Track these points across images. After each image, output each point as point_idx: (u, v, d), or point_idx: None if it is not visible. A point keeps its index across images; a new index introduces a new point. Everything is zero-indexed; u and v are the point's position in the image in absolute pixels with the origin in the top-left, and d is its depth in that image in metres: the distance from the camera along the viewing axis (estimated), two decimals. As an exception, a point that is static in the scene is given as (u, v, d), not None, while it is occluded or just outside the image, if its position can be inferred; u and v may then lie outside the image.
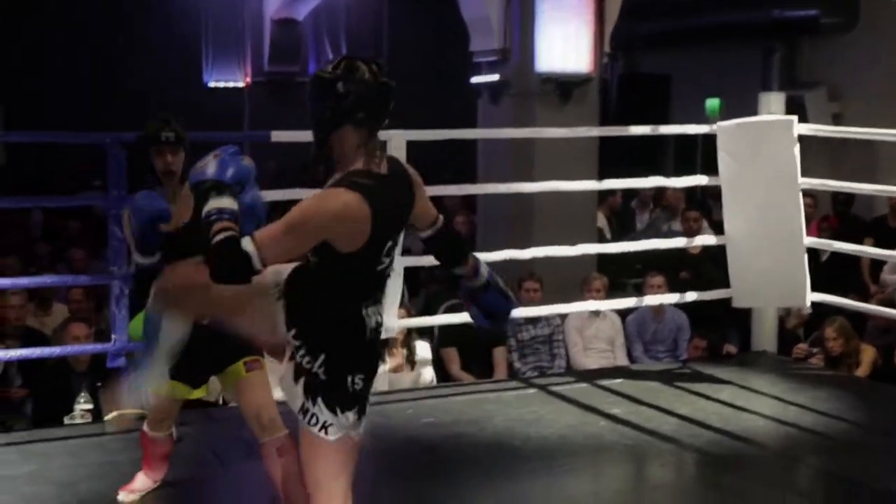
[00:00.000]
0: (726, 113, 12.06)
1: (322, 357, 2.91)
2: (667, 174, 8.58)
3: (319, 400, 2.91)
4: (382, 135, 5.70)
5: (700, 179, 6.75)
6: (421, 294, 8.55)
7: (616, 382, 5.90)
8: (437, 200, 10.43)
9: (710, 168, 6.50)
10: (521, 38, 8.78)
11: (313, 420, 2.92)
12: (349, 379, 2.92)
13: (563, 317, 7.06)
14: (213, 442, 4.92)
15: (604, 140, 8.38)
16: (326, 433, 2.92)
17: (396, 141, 5.61)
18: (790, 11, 12.21)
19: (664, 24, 13.45)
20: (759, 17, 12.49)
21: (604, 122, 9.00)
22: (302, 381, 2.93)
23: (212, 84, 16.50)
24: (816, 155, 6.24)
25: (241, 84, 16.61)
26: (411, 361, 6.40)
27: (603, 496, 4.54)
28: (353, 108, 2.81)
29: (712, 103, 13.79)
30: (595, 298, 6.90)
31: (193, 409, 5.75)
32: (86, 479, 4.45)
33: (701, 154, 12.62)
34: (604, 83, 10.08)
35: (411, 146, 5.61)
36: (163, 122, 4.06)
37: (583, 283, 7.12)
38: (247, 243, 2.71)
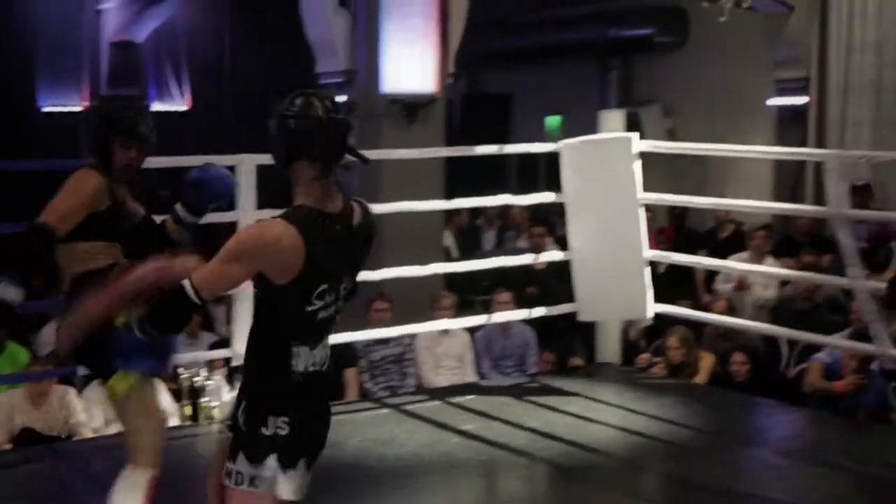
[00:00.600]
0: (566, 130, 12.37)
1: (244, 402, 2.87)
2: (510, 192, 8.72)
3: (241, 454, 2.85)
4: (231, 159, 5.74)
5: (546, 196, 6.91)
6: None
7: (467, 399, 5.97)
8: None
9: (553, 185, 6.66)
10: (366, 60, 8.82)
11: (238, 479, 2.85)
12: (269, 421, 2.83)
13: (413, 336, 7.11)
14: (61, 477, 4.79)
15: (449, 159, 8.49)
16: (255, 486, 2.84)
17: (246, 165, 5.58)
18: (626, 31, 12.60)
19: (505, 42, 13.70)
20: (596, 36, 12.84)
21: (448, 141, 9.10)
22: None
23: (47, 108, 16.01)
24: (652, 169, 6.45)
25: (78, 108, 16.16)
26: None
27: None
28: (305, 145, 2.83)
29: (552, 121, 14.10)
30: (444, 316, 6.97)
31: (37, 444, 5.61)
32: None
33: (544, 171, 12.90)
34: (448, 103, 10.21)
35: (261, 170, 5.58)
36: (138, 114, 3.86)
37: (432, 301, 7.19)
38: (190, 290, 2.75)
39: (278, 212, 6.29)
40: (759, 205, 7.68)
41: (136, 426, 3.65)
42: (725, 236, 9.30)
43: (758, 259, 7.98)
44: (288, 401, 2.86)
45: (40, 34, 15.89)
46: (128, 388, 3.32)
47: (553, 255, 7.07)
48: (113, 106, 3.87)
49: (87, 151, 3.79)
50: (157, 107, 16.70)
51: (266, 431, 2.83)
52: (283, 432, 2.84)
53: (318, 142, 2.84)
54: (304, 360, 2.88)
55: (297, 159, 2.85)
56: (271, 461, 2.83)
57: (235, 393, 6.03)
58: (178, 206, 3.93)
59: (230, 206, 4.18)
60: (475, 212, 11.01)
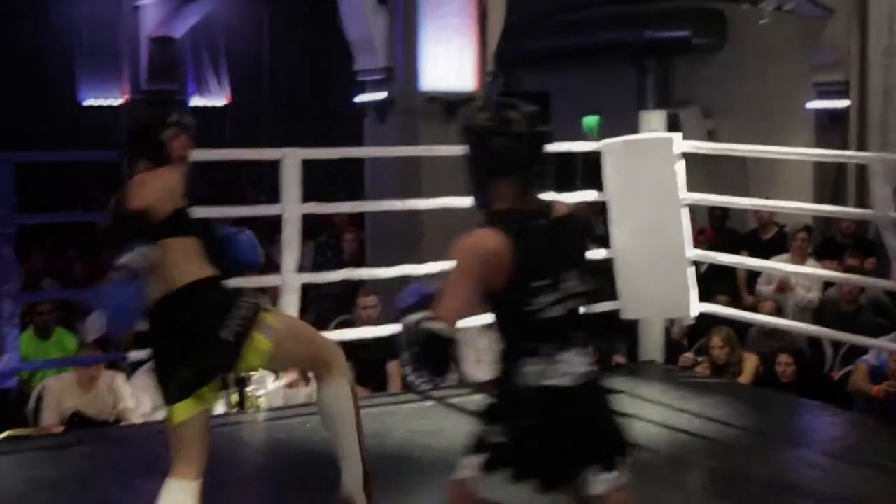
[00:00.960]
0: (604, 130, 12.38)
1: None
2: (548, 190, 8.72)
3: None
4: (276, 153, 5.79)
5: (588, 195, 6.90)
6: (311, 310, 8.54)
7: (510, 393, 5.96)
8: (326, 217, 10.47)
9: (590, 184, 6.67)
10: (405, 57, 8.86)
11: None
12: (492, 428, 2.85)
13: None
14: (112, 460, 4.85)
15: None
16: (456, 473, 2.91)
17: (291, 159, 5.63)
18: (663, 32, 12.59)
19: (544, 42, 13.71)
20: (633, 38, 12.84)
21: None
22: None
23: (87, 102, 16.15)
24: (692, 171, 6.46)
25: (117, 102, 16.29)
26: (306, 377, 6.38)
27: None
28: (508, 163, 2.78)
29: (590, 120, 14.10)
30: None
31: (87, 428, 5.69)
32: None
33: (581, 170, 12.88)
34: (486, 101, 10.25)
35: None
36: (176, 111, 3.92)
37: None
38: (437, 325, 2.71)
39: (321, 205, 6.35)
40: (804, 206, 7.67)
41: (183, 446, 3.59)
42: (768, 238, 9.28)
43: (799, 260, 7.96)
44: (508, 413, 2.84)
45: (81, 30, 16.05)
46: (187, 416, 3.41)
47: (595, 252, 7.06)
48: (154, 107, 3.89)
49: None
50: (196, 102, 16.82)
51: (484, 433, 2.86)
52: (495, 440, 2.84)
53: (521, 158, 2.79)
54: (539, 374, 2.81)
55: (498, 177, 2.80)
56: (477, 458, 2.86)
57: (281, 382, 6.09)
58: None
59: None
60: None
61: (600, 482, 2.87)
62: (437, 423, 5.47)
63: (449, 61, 8.86)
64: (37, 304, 6.73)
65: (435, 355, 2.75)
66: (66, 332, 6.88)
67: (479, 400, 5.73)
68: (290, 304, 5.72)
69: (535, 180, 2.84)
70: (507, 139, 2.77)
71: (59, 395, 5.88)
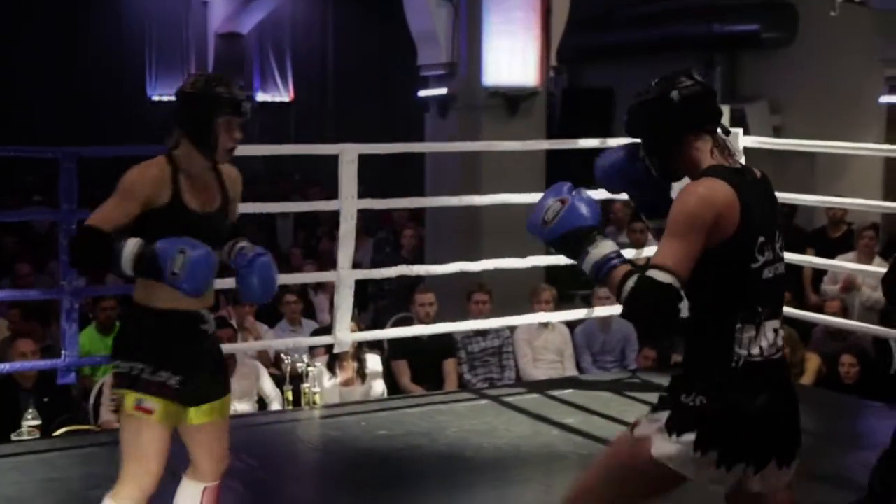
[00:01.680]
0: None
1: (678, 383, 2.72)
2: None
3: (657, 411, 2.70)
4: (334, 148, 5.81)
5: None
6: (370, 308, 8.55)
7: (567, 393, 5.94)
8: (386, 213, 10.49)
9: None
10: (468, 52, 8.82)
11: (634, 426, 2.74)
12: (692, 395, 2.65)
13: (513, 329, 7.10)
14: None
15: (549, 153, 8.45)
16: (632, 430, 2.73)
17: (348, 154, 5.63)
18: (731, 26, 12.41)
19: (608, 37, 13.60)
20: (700, 31, 12.67)
21: (548, 135, 9.06)
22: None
23: (156, 97, 16.38)
24: (759, 166, 6.33)
25: (185, 97, 16.50)
26: (362, 374, 6.40)
27: (557, 505, 4.56)
28: (693, 113, 2.72)
29: (655, 116, 13.94)
30: (544, 310, 6.95)
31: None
32: (34, 496, 4.40)
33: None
34: (549, 96, 10.17)
35: (362, 159, 5.63)
36: (238, 88, 3.30)
37: (532, 294, 7.17)
38: (661, 275, 2.53)
39: (377, 201, 6.36)
40: (872, 203, 7.50)
41: (128, 459, 3.23)
42: (837, 236, 9.10)
43: (866, 259, 7.79)
44: (716, 387, 2.65)
45: (150, 26, 16.29)
46: (133, 404, 3.13)
47: (655, 250, 6.97)
48: (208, 81, 3.24)
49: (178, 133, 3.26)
50: (261, 97, 16.96)
51: (683, 398, 2.65)
52: (693, 404, 2.64)
53: (703, 108, 2.73)
54: (751, 343, 2.66)
55: (687, 133, 2.71)
56: (661, 416, 2.67)
57: (337, 380, 6.09)
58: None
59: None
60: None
61: (779, 475, 2.74)
62: (491, 422, 5.45)
63: (512, 56, 8.81)
64: (100, 300, 6.80)
65: (656, 311, 2.55)
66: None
67: (532, 399, 5.75)
68: (345, 301, 5.73)
69: (721, 138, 2.79)
70: (702, 94, 2.74)
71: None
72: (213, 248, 3.15)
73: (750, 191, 2.68)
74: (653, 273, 2.54)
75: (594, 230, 2.68)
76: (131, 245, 3.04)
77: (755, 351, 2.67)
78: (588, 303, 7.47)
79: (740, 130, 6.29)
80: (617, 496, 2.78)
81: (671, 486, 2.74)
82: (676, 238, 2.58)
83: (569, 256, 2.72)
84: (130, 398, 3.15)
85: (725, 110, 6.66)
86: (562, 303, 7.53)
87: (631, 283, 2.56)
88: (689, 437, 2.64)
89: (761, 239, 2.67)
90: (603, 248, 2.64)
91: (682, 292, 2.56)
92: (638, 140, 2.81)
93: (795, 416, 2.78)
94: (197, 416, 3.26)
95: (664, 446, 2.65)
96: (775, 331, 2.71)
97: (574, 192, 2.73)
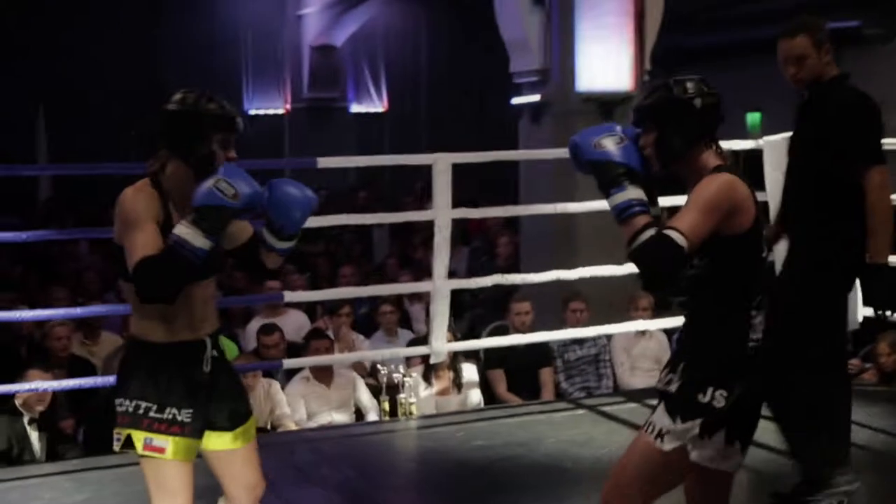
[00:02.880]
0: (766, 127, 12.00)
1: (682, 368, 2.86)
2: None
3: (661, 406, 2.88)
4: (428, 158, 5.80)
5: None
6: (465, 317, 8.53)
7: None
8: (481, 222, 10.43)
9: (752, 183, 6.42)
10: (560, 58, 8.77)
11: (650, 428, 2.89)
12: (707, 391, 2.80)
13: (610, 337, 7.02)
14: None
15: (646, 157, 8.34)
16: (662, 441, 2.86)
17: (442, 164, 5.62)
18: (831, 23, 12.10)
19: (703, 38, 13.42)
20: (800, 30, 12.40)
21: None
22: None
23: (252, 111, 16.63)
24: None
25: (281, 110, 16.73)
26: (458, 384, 6.39)
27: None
28: (711, 121, 2.91)
29: (753, 118, 13.72)
30: (642, 317, 6.86)
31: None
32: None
33: (742, 169, 12.55)
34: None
35: (455, 169, 5.62)
36: (229, 104, 3.10)
37: (629, 302, 7.08)
38: (677, 236, 2.70)
39: (471, 210, 6.30)
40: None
41: (155, 499, 3.10)
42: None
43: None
44: (734, 374, 2.82)
45: (246, 40, 16.56)
46: (143, 444, 3.00)
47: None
48: (199, 98, 3.03)
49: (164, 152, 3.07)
50: (355, 108, 17.11)
51: (702, 399, 2.81)
52: (718, 405, 2.80)
53: (718, 119, 2.92)
54: (758, 328, 2.85)
55: (701, 139, 2.89)
56: (692, 424, 2.81)
57: (433, 390, 6.07)
58: (266, 233, 3.15)
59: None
60: (672, 211, 10.78)
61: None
62: (589, 432, 5.38)
63: (605, 61, 8.74)
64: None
65: (662, 266, 2.72)
66: (225, 340, 7.03)
67: (630, 409, 5.67)
68: (441, 311, 5.72)
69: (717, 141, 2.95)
70: (717, 104, 2.91)
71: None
72: (205, 278, 3.05)
73: (751, 187, 2.89)
74: (670, 232, 2.71)
75: (635, 174, 2.82)
76: (180, 227, 2.85)
77: (760, 336, 2.86)
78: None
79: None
80: (649, 497, 2.97)
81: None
82: (697, 212, 2.75)
83: (600, 182, 2.85)
84: (138, 438, 3.01)
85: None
86: (660, 310, 7.42)
87: (649, 233, 2.73)
88: (721, 435, 2.82)
89: (762, 234, 2.91)
90: (634, 192, 2.79)
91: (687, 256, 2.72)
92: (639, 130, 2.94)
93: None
94: (218, 443, 3.16)
95: (702, 452, 2.83)
96: (762, 318, 2.90)
97: (628, 136, 2.89)
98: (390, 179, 15.02)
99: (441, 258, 5.70)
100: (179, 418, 3.02)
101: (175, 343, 3.04)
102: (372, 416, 6.23)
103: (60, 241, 9.89)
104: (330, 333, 7.00)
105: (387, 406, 6.01)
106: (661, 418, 2.85)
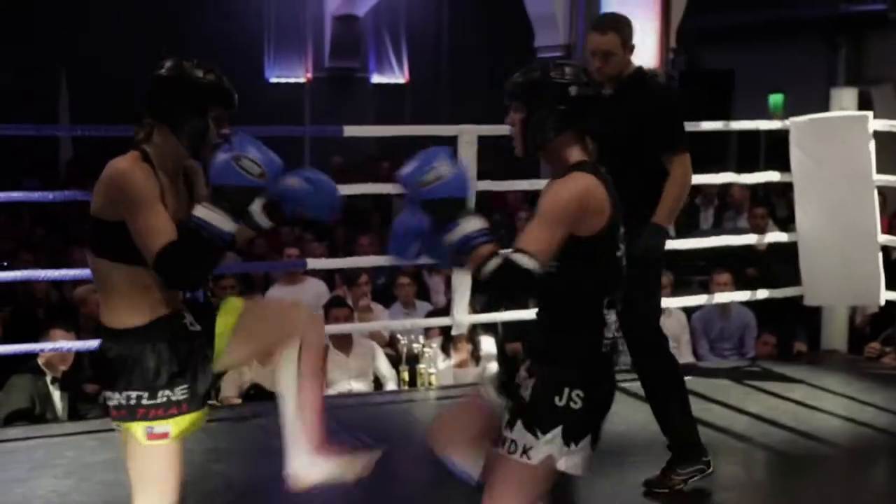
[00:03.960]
0: (790, 108, 11.95)
1: (535, 371, 2.81)
2: (729, 170, 8.48)
3: (518, 423, 2.78)
4: (453, 129, 5.79)
5: (771, 176, 6.67)
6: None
7: (685, 380, 5.83)
8: (501, 195, 10.41)
9: (774, 164, 6.42)
10: (586, 34, 8.73)
11: (511, 447, 2.79)
12: (563, 392, 2.76)
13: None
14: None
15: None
16: (528, 458, 2.77)
17: (467, 136, 5.62)
18: (857, 6, 12.06)
19: (728, 18, 13.35)
20: (825, 12, 12.36)
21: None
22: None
23: (273, 79, 16.60)
24: (884, 151, 6.15)
25: (302, 79, 16.69)
26: (476, 357, 6.40)
27: (676, 492, 4.50)
28: (583, 112, 2.82)
29: (775, 99, 13.67)
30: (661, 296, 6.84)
31: (266, 401, 5.83)
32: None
33: (764, 150, 12.50)
34: (668, 79, 10.01)
35: (481, 141, 5.62)
36: (226, 78, 2.97)
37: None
38: (524, 260, 2.64)
39: (496, 183, 6.30)
40: None
41: (145, 486, 2.96)
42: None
43: None
44: (589, 373, 2.79)
45: (268, 9, 16.49)
46: (145, 433, 2.86)
47: (777, 236, 6.82)
48: (196, 68, 2.90)
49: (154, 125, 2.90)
50: (376, 79, 17.07)
51: (559, 402, 2.75)
52: (575, 406, 2.75)
53: (587, 110, 2.82)
54: (611, 327, 2.82)
55: (568, 130, 2.80)
56: (555, 433, 2.75)
57: (451, 361, 6.10)
58: (261, 213, 2.88)
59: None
60: (693, 190, 10.74)
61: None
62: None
63: (630, 38, 8.70)
64: (220, 278, 6.91)
65: (514, 293, 2.80)
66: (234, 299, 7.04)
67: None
68: (463, 283, 5.72)
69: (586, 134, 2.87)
70: (582, 90, 2.80)
71: (241, 369, 6.04)
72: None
73: (610, 185, 2.80)
74: (516, 257, 2.64)
75: (466, 204, 2.72)
76: (202, 209, 2.74)
77: (614, 334, 2.83)
78: (705, 288, 7.35)
79: (870, 114, 6.09)
80: None
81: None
82: (544, 226, 2.70)
83: (436, 221, 2.71)
84: (139, 429, 2.86)
85: (852, 93, 6.53)
86: (678, 288, 7.41)
87: (494, 262, 2.66)
88: (587, 440, 2.80)
89: (621, 229, 2.84)
90: (473, 223, 2.70)
91: (539, 278, 2.66)
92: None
93: None
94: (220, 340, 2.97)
95: (570, 460, 2.78)
96: (615, 315, 2.85)
97: (456, 162, 2.77)
98: (411, 152, 14.93)
99: (464, 229, 5.69)
100: (175, 398, 2.87)
101: (152, 322, 2.86)
102: (391, 386, 6.26)
103: (82, 203, 9.90)
104: (349, 303, 7.02)
105: (406, 376, 6.03)
106: (522, 436, 2.76)
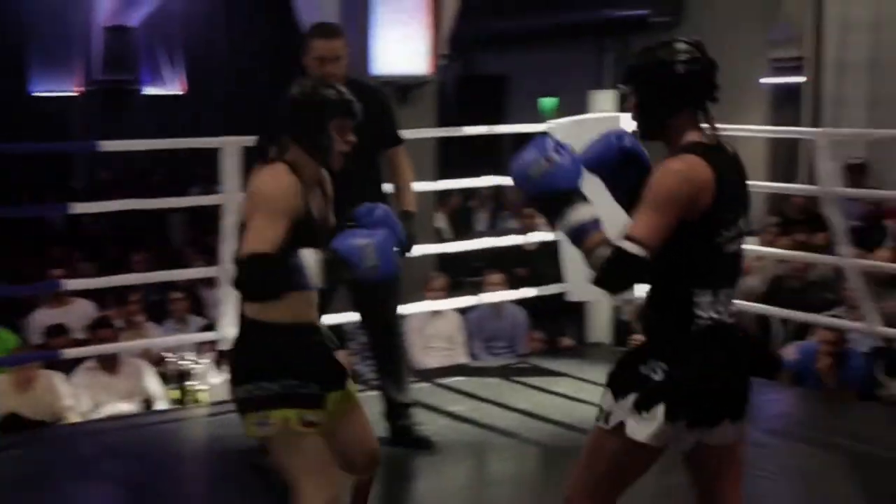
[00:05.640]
0: (563, 111, 12.28)
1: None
2: (504, 173, 8.63)
3: (608, 390, 2.77)
4: (216, 141, 5.70)
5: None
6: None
7: (457, 380, 5.92)
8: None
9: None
10: (357, 41, 8.75)
11: (598, 413, 2.79)
12: (649, 363, 2.71)
13: (403, 317, 7.05)
14: (45, 462, 4.75)
15: (442, 141, 8.43)
16: (606, 423, 2.75)
17: (231, 147, 5.54)
18: (621, 11, 12.54)
19: (503, 24, 13.64)
20: (591, 17, 12.78)
21: (441, 123, 9.04)
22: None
23: (37, 93, 15.95)
24: (651, 149, 6.39)
25: (71, 93, 16.11)
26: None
27: (446, 493, 4.55)
28: (691, 89, 2.75)
29: (546, 102, 14.05)
30: (435, 298, 6.93)
31: (23, 430, 5.59)
32: None
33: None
34: (441, 84, 10.14)
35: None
36: (346, 90, 3.12)
37: (423, 283, 7.14)
38: (633, 247, 2.61)
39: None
40: (760, 185, 7.62)
41: (304, 476, 3.04)
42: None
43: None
44: (678, 350, 2.73)
45: (32, 18, 15.83)
46: (299, 420, 2.97)
47: (542, 235, 7.01)
48: (319, 86, 3.13)
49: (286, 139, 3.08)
50: (150, 91, 16.67)
51: (642, 370, 2.71)
52: (655, 376, 2.70)
53: (703, 88, 2.76)
54: (709, 306, 2.74)
55: (682, 107, 2.75)
56: (630, 399, 2.71)
57: (226, 376, 6.00)
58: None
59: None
60: (467, 194, 10.94)
61: (732, 429, 2.82)
62: (380, 412, 5.39)
63: (402, 45, 8.76)
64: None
65: (626, 282, 2.70)
66: (4, 330, 6.74)
67: (422, 388, 5.73)
68: (229, 296, 5.62)
69: (709, 113, 2.80)
70: (694, 67, 2.75)
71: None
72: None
73: (726, 168, 2.74)
74: (625, 245, 2.63)
75: (575, 193, 2.73)
76: (310, 256, 2.85)
77: (713, 315, 2.75)
78: (479, 290, 7.48)
79: (621, 115, 6.31)
80: (611, 487, 2.84)
81: (657, 458, 2.81)
82: (653, 211, 2.65)
83: (546, 214, 2.82)
84: (293, 416, 2.97)
85: (609, 95, 6.75)
86: (453, 290, 7.52)
87: (604, 252, 2.65)
88: (659, 409, 2.70)
89: (730, 216, 2.76)
90: (581, 212, 2.71)
91: (648, 264, 2.64)
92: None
93: (747, 375, 2.84)
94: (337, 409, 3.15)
95: (640, 428, 2.71)
96: (729, 297, 2.80)
97: (560, 151, 2.77)
98: (189, 163, 14.70)
99: (230, 243, 5.60)
100: (316, 392, 3.02)
101: (296, 324, 3.02)
102: (161, 405, 6.10)
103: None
104: (120, 322, 6.82)
105: (176, 394, 5.89)
106: (606, 401, 2.78)
